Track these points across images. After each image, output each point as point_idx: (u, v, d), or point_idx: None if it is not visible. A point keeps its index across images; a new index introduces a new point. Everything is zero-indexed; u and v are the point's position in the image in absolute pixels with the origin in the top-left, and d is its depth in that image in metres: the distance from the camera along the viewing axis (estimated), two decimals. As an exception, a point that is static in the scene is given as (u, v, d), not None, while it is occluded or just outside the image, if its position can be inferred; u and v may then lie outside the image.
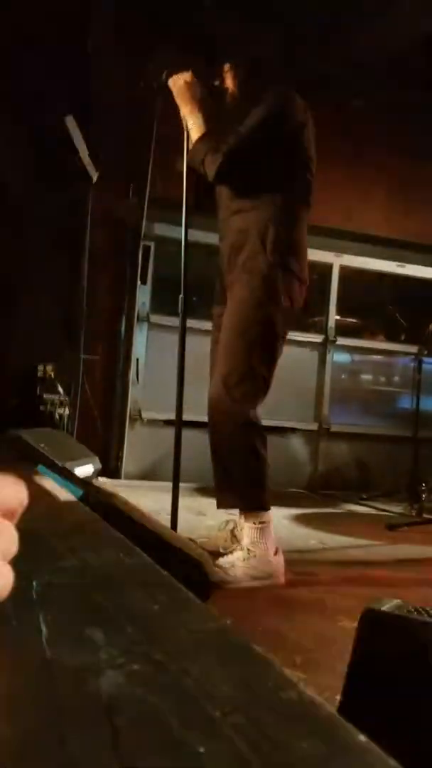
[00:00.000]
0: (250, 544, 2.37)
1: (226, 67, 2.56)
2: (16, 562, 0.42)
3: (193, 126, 2.50)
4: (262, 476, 2.41)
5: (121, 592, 0.56)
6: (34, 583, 0.54)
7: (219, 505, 2.48)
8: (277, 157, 2.46)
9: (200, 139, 2.47)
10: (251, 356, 2.42)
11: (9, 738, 0.32)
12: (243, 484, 2.41)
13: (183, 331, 2.69)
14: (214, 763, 0.30)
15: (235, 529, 2.67)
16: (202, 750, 0.31)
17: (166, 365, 3.67)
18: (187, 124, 2.54)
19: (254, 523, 2.39)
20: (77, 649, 0.42)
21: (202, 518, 3.46)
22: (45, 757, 0.30)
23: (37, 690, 0.37)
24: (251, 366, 2.42)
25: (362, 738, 0.34)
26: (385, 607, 0.82)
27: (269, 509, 2.43)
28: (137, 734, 0.32)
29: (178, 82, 2.52)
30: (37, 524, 0.47)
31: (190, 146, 2.52)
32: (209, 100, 2.55)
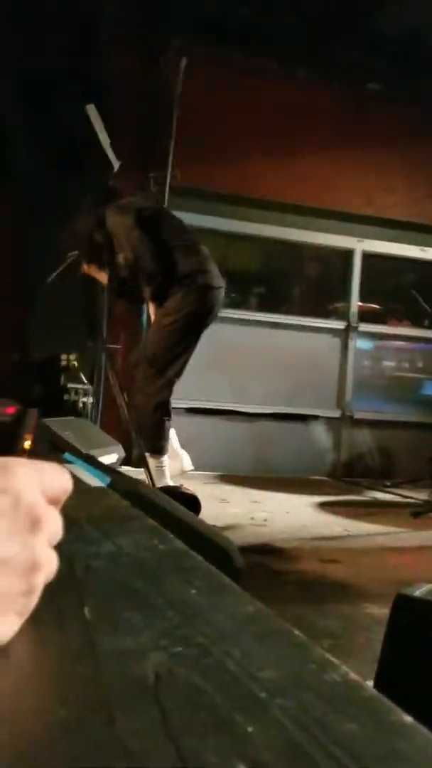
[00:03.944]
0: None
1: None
2: (56, 547, 0.43)
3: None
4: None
5: (158, 577, 0.56)
6: (75, 568, 0.55)
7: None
8: None
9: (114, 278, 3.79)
10: None
11: (59, 718, 0.32)
12: None
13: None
14: (264, 743, 0.30)
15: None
16: (251, 730, 0.31)
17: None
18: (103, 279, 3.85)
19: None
20: (120, 632, 0.43)
21: (225, 505, 3.47)
22: (95, 736, 0.31)
23: (84, 672, 0.37)
24: None
25: (408, 719, 0.34)
26: (417, 593, 0.82)
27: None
28: (186, 715, 0.33)
29: (91, 273, 3.88)
30: (70, 510, 0.47)
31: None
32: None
